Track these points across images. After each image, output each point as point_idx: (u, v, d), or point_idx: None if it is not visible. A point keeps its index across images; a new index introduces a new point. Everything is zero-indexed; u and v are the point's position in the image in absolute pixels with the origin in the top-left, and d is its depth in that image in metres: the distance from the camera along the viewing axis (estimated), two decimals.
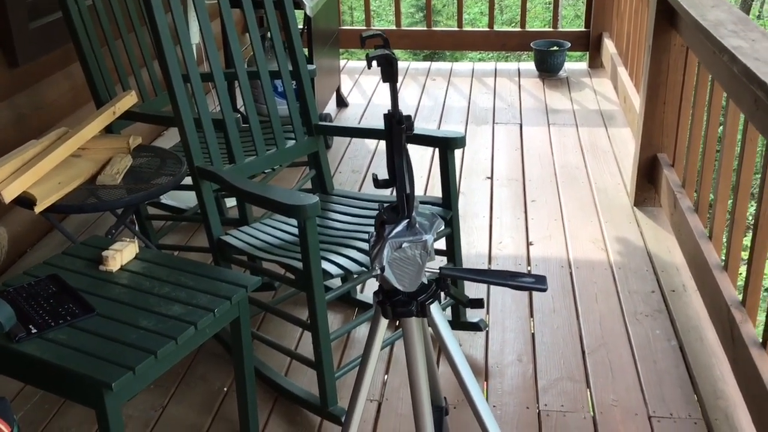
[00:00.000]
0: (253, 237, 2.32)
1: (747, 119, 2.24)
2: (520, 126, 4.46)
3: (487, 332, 2.56)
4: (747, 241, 2.43)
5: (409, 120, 1.13)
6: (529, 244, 3.16)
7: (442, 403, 1.47)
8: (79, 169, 2.45)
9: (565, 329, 2.60)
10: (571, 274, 2.92)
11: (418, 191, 3.69)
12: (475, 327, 2.54)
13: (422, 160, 3.96)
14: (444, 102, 4.91)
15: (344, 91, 5.00)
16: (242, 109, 2.73)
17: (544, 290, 1.16)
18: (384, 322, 1.24)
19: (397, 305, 1.17)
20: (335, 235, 2.31)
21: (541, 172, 3.84)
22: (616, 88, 4.80)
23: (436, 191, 3.67)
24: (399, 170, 1.07)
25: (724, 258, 2.47)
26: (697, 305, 2.65)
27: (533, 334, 2.58)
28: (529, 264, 3.02)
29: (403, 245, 1.10)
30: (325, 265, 2.08)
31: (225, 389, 2.36)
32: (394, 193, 1.06)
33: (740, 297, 2.28)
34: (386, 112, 1.17)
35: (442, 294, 1.20)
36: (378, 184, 1.12)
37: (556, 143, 4.19)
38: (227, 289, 1.92)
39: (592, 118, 4.54)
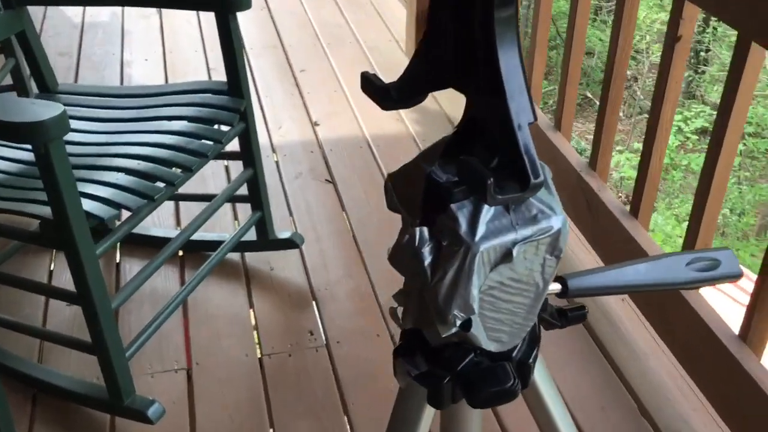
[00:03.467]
0: None
1: None
2: None
3: (301, 248, 2.03)
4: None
5: None
6: (314, 124, 2.62)
7: None
8: None
9: (387, 224, 2.15)
10: (373, 153, 2.45)
11: (190, 71, 2.90)
12: (290, 244, 1.99)
13: (189, 30, 3.13)
14: None
15: None
16: None
17: (740, 276, 0.65)
18: (429, 414, 0.59)
19: (476, 382, 0.52)
20: (85, 153, 1.57)
21: (300, 35, 3.24)
22: None
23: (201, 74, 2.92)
24: (508, 70, 0.43)
25: (553, 116, 2.17)
26: None
27: (354, 236, 2.11)
28: (321, 148, 2.49)
29: (514, 251, 0.47)
30: (86, 204, 1.37)
31: None
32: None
33: (587, 161, 2.00)
34: None
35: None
36: (384, 97, 0.48)
37: None
38: None
39: None
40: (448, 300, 0.46)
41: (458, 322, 0.47)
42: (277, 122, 2.62)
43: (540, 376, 0.62)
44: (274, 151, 2.47)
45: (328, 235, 2.10)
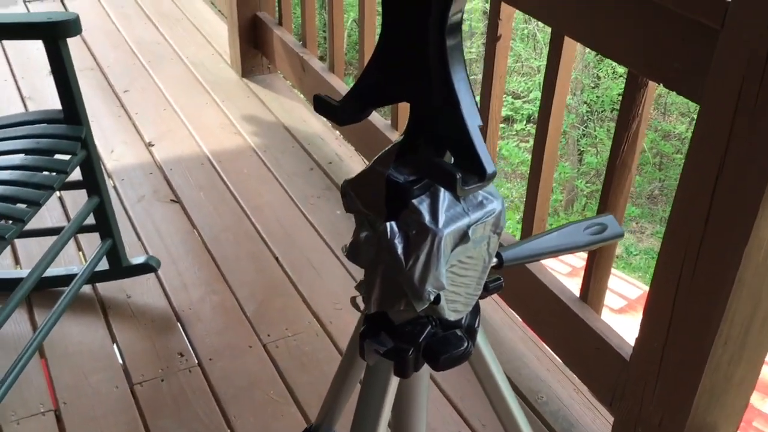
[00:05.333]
0: None
1: None
2: (62, 0, 3.58)
3: (157, 271, 2.00)
4: None
5: None
6: (148, 145, 2.56)
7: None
8: None
9: (243, 236, 2.17)
10: (215, 168, 2.45)
11: (3, 103, 2.71)
12: (146, 268, 1.95)
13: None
14: None
15: None
16: None
17: (622, 235, 0.74)
18: (395, 384, 0.65)
19: (437, 350, 0.59)
20: None
21: (116, 54, 3.14)
22: None
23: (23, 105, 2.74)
24: (458, 81, 0.49)
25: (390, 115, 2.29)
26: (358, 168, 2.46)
27: (210, 252, 2.10)
28: (160, 169, 2.44)
29: (470, 233, 0.54)
30: None
31: None
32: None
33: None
34: None
35: None
36: (335, 114, 0.51)
37: (117, 16, 3.47)
38: None
39: None
40: (422, 280, 0.54)
41: (432, 297, 0.55)
42: (109, 147, 2.53)
43: (484, 342, 0.71)
44: (109, 176, 2.39)
45: (183, 255, 2.08)
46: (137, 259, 1.95)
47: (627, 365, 1.43)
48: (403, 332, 0.61)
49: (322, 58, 2.64)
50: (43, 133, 1.66)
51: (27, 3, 3.55)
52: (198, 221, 2.21)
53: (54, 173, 1.59)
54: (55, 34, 1.60)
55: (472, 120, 0.51)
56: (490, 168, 0.50)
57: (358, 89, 0.55)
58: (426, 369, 0.64)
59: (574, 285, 1.72)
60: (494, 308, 1.95)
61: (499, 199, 0.58)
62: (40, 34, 1.60)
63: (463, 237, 0.55)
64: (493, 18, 1.72)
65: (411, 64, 0.52)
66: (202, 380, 1.73)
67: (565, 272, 3.30)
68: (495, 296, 1.95)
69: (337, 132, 2.61)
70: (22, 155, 1.61)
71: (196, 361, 1.77)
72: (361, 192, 0.55)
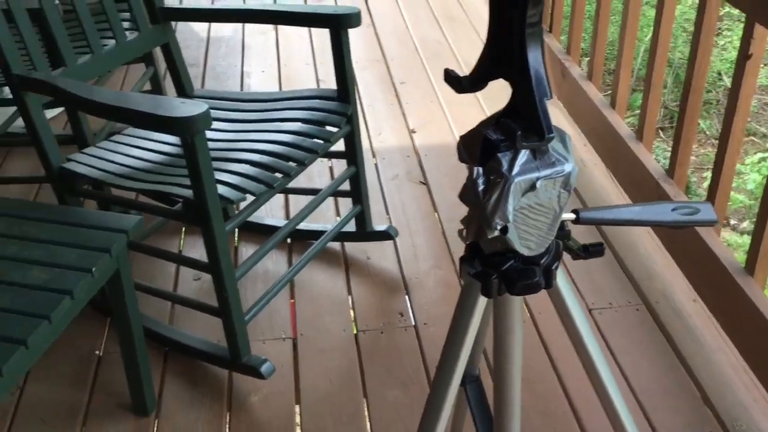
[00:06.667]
0: (107, 161, 1.80)
1: None
2: None
3: (395, 240, 2.26)
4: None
5: None
6: (411, 132, 2.85)
7: (477, 372, 1.13)
8: None
9: None
10: None
11: (301, 81, 3.21)
12: (385, 236, 2.22)
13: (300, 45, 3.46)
14: None
15: None
16: None
17: (715, 222, 0.84)
18: (482, 303, 0.84)
19: (514, 277, 0.75)
20: (218, 148, 1.85)
21: (401, 50, 3.49)
22: None
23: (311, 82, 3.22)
24: (533, 64, 0.66)
25: (637, 126, 2.31)
26: (602, 180, 2.51)
27: (444, 233, 2.32)
28: (417, 153, 2.72)
29: (537, 184, 0.70)
30: (219, 188, 1.64)
31: (98, 353, 1.90)
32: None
33: (664, 168, 2.14)
34: None
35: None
36: (459, 84, 0.71)
37: (409, 15, 3.83)
38: (101, 237, 1.44)
39: None
40: (492, 212, 0.70)
41: (499, 227, 0.69)
42: (378, 129, 2.86)
43: (563, 285, 0.83)
44: (374, 155, 2.71)
45: (420, 231, 2.32)
46: (380, 227, 2.22)
47: None
48: (490, 260, 0.77)
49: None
50: (318, 107, 1.98)
51: None
52: (439, 203, 2.44)
53: (321, 141, 1.89)
54: (338, 25, 1.90)
55: (541, 92, 0.65)
56: (549, 132, 0.64)
57: (476, 69, 0.70)
58: (518, 300, 0.78)
59: None
60: (710, 330, 1.91)
61: (571, 163, 0.71)
62: (326, 23, 1.91)
63: (532, 186, 0.70)
64: (747, 36, 1.70)
65: (508, 51, 0.67)
66: (414, 340, 1.94)
67: None
68: (712, 319, 1.91)
69: (585, 138, 2.68)
70: (299, 123, 1.94)
71: (413, 323, 1.99)
72: (468, 146, 0.71)
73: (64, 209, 1.61)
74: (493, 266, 0.77)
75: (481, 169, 0.70)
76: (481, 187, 0.70)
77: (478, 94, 3.45)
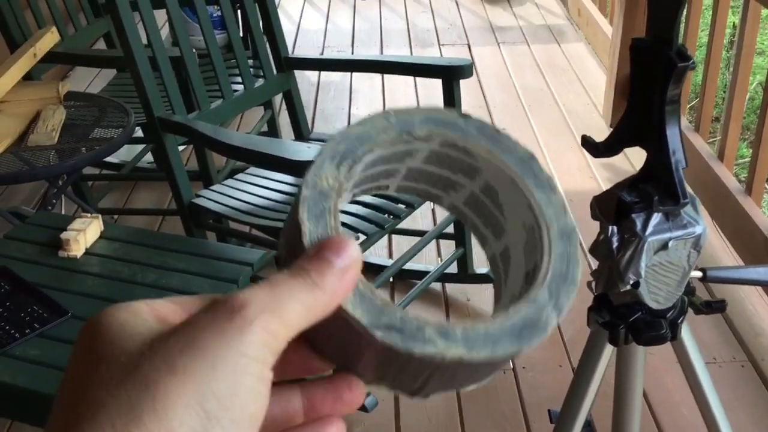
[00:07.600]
0: (232, 198, 1.94)
1: None
2: (468, 47, 4.15)
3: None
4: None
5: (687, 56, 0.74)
6: None
7: (590, 418, 1.19)
8: (4, 128, 1.98)
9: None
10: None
11: None
12: (486, 279, 2.28)
13: (406, 90, 3.60)
14: (380, 24, 4.52)
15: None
16: None
17: None
18: (609, 351, 0.91)
19: (640, 328, 0.82)
20: None
21: (503, 97, 3.57)
22: (563, 0, 4.55)
23: None
24: (671, 136, 0.73)
25: (745, 181, 2.30)
26: (711, 235, 2.49)
27: None
28: None
29: (669, 244, 0.77)
30: None
31: None
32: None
33: None
34: (637, 38, 0.80)
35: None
36: (596, 149, 0.78)
37: (511, 63, 3.92)
38: (229, 269, 1.57)
39: (542, 34, 4.29)
40: (626, 268, 0.77)
41: (631, 281, 0.76)
42: None
43: (687, 338, 0.88)
44: None
45: None
46: (481, 270, 2.28)
47: None
48: (618, 311, 0.84)
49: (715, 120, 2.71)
50: None
51: (441, 46, 4.19)
52: None
53: None
54: (450, 76, 2.00)
55: (677, 162, 0.72)
56: (683, 198, 0.71)
57: (613, 135, 0.77)
58: (641, 350, 0.83)
59: None
60: None
61: (702, 225, 0.78)
62: (440, 74, 2.02)
63: (663, 246, 0.78)
64: None
65: (646, 122, 0.74)
66: (513, 384, 1.98)
67: None
68: None
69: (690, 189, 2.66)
70: None
71: (512, 367, 2.03)
72: (601, 206, 0.78)
73: (196, 241, 1.76)
74: (621, 317, 0.84)
75: (615, 228, 0.77)
76: (615, 244, 0.78)
77: (575, 144, 3.44)
